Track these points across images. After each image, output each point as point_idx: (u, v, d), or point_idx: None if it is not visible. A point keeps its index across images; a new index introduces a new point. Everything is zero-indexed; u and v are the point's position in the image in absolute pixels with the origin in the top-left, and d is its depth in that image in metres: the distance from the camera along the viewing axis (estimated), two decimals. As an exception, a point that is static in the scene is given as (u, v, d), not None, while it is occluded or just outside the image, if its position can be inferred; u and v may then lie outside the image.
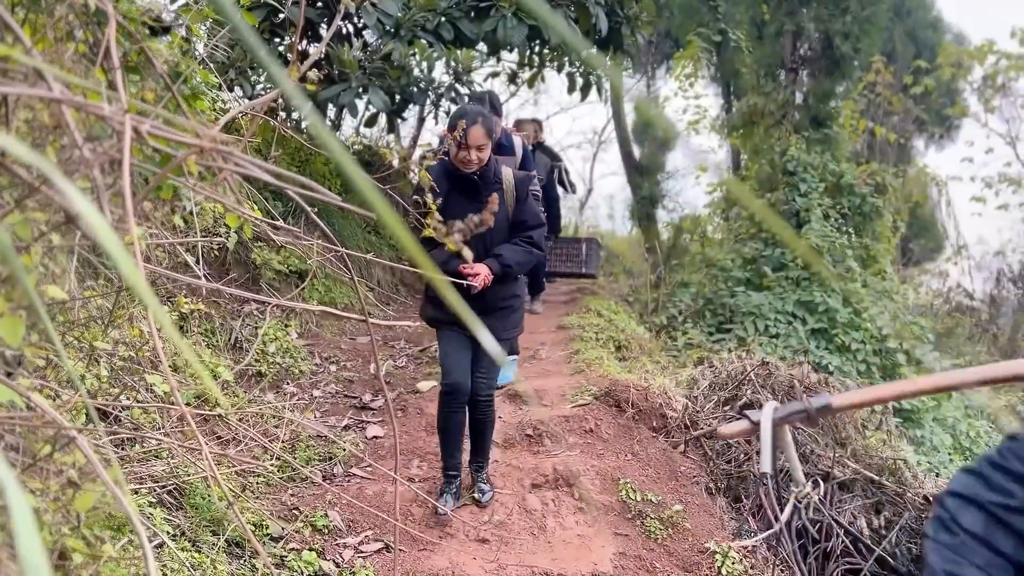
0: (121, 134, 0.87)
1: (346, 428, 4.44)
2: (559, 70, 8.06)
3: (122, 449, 2.76)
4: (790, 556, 4.11)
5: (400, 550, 3.34)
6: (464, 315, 0.57)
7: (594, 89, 7.97)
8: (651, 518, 3.93)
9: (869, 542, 4.27)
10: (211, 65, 2.81)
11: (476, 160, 3.46)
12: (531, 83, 8.80)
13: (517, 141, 5.14)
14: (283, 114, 7.16)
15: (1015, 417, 11.01)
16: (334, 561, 3.12)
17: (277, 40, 6.38)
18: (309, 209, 1.09)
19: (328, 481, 3.80)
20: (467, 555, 3.39)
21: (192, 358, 0.59)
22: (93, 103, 0.91)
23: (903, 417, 7.61)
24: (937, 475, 5.96)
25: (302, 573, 2.94)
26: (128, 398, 2.70)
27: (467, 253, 1.02)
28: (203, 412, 2.58)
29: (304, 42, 6.44)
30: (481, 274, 3.42)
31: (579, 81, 7.84)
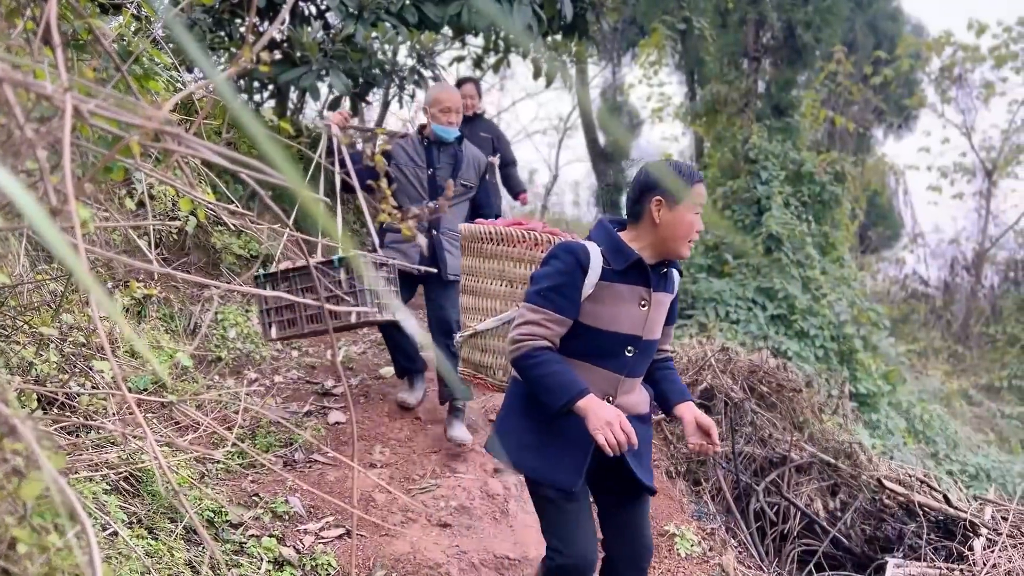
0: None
1: (308, 414, 4.41)
2: (524, 56, 8.02)
3: (76, 436, 2.71)
4: (747, 538, 4.19)
5: (361, 535, 3.33)
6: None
7: (559, 76, 7.94)
8: (612, 502, 3.97)
9: (825, 524, 4.37)
10: (167, 46, 2.75)
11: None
12: (496, 68, 8.76)
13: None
14: (244, 96, 7.05)
15: (967, 402, 11.31)
16: (294, 547, 3.10)
17: (238, 21, 6.26)
18: (262, 192, 1.07)
19: (289, 467, 3.77)
20: (429, 540, 3.40)
21: (138, 344, 0.58)
22: (34, 81, 0.88)
23: (859, 401, 7.77)
24: (891, 458, 6.10)
25: (262, 559, 2.92)
26: (78, 384, 2.65)
27: (422, 240, 1.01)
28: (156, 398, 2.54)
29: (265, 23, 6.33)
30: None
31: (544, 67, 7.82)
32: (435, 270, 3.92)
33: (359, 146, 4.13)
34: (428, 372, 4.60)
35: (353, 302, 2.93)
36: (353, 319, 3.01)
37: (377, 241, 3.46)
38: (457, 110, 3.95)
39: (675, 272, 2.44)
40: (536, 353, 2.19)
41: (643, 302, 2.30)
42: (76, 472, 2.43)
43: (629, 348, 2.30)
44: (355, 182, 2.80)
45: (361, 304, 2.93)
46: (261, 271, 3.09)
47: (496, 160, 5.90)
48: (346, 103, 7.03)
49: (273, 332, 3.09)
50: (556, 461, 2.31)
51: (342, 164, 3.17)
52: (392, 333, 4.24)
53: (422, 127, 4.06)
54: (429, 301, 4.15)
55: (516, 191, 6.29)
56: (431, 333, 4.13)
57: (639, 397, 2.43)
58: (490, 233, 2.56)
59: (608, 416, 2.10)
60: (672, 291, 2.43)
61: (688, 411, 2.40)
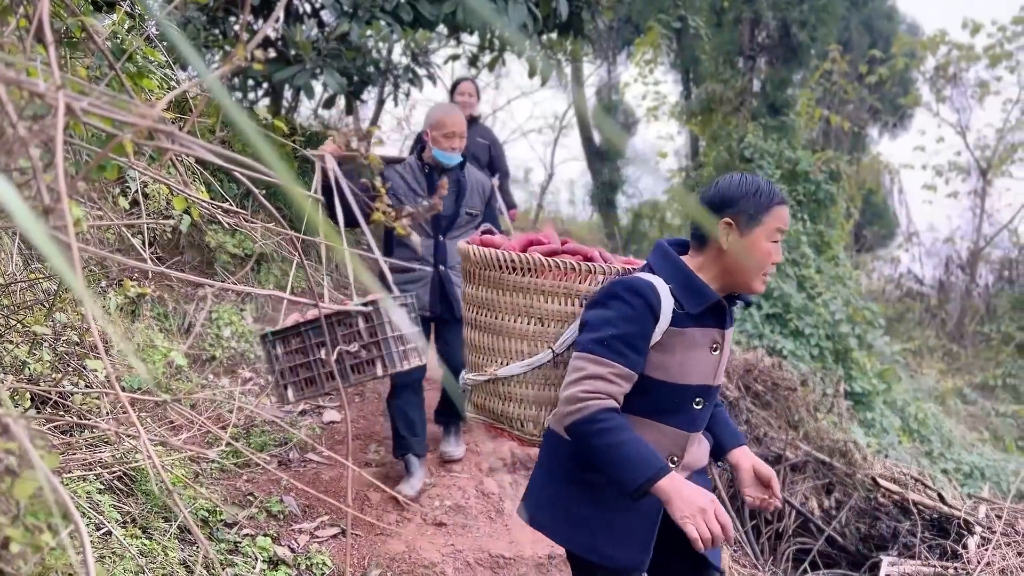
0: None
1: (302, 413, 4.41)
2: (519, 54, 8.01)
3: (69, 435, 2.70)
4: (743, 536, 4.19)
5: (356, 534, 3.33)
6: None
7: (554, 74, 7.94)
8: (607, 501, 3.97)
9: (820, 522, 4.38)
10: (161, 43, 2.74)
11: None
12: (491, 66, 8.76)
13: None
14: (238, 94, 7.03)
15: (961, 401, 11.34)
16: (289, 547, 3.10)
17: (232, 19, 6.25)
18: (256, 191, 1.07)
19: (284, 466, 3.77)
20: (424, 539, 3.39)
21: (125, 348, 0.58)
22: (27, 79, 0.88)
23: (854, 400, 7.79)
24: (886, 456, 6.12)
25: (257, 559, 2.92)
26: (71, 383, 2.65)
27: (416, 239, 1.01)
28: (150, 398, 2.54)
29: (260, 21, 6.32)
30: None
31: (539, 65, 7.81)
32: (412, 301, 3.48)
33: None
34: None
35: (376, 352, 2.72)
36: (379, 372, 2.71)
37: (372, 242, 3.20)
38: (462, 135, 3.63)
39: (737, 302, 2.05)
40: (603, 417, 1.78)
41: (715, 345, 1.93)
42: (70, 471, 2.43)
43: (698, 400, 1.94)
44: (359, 215, 2.51)
45: (386, 353, 2.72)
46: (269, 329, 2.90)
47: (497, 181, 5.74)
48: (341, 101, 7.02)
49: (290, 395, 2.87)
50: (621, 538, 1.92)
51: (342, 197, 2.85)
52: (400, 395, 3.74)
53: (421, 149, 3.74)
54: (442, 343, 3.85)
55: (507, 206, 6.00)
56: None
57: (702, 451, 2.08)
58: (511, 261, 2.02)
59: (701, 502, 1.70)
60: (733, 324, 2.05)
61: (744, 458, 2.06)
